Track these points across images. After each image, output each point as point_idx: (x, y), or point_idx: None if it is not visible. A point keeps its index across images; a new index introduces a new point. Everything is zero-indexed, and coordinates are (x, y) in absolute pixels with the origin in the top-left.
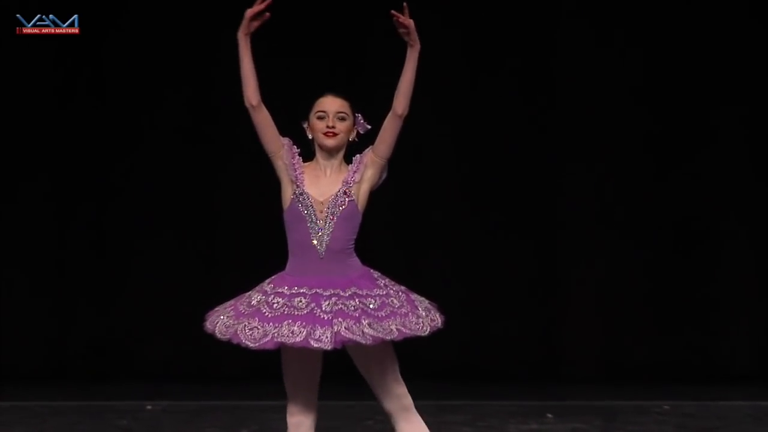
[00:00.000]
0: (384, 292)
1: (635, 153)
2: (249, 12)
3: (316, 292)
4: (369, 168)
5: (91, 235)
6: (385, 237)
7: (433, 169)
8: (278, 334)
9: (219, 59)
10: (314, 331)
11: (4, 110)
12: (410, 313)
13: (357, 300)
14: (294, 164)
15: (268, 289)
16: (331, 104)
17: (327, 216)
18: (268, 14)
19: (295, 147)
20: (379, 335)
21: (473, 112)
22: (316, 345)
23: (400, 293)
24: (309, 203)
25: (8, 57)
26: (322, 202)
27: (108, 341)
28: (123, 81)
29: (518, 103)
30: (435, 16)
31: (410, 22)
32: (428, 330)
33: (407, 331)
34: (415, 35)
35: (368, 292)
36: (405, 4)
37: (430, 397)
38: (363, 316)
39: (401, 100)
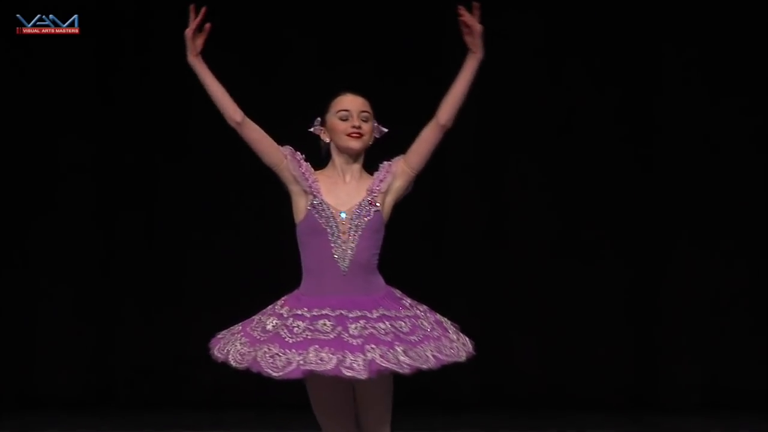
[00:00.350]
0: (412, 314)
1: (742, 179)
2: (188, 32)
3: (340, 313)
4: (398, 178)
5: (138, 257)
6: (486, 255)
7: (530, 187)
8: (305, 361)
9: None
10: (345, 358)
11: (49, 111)
12: (442, 337)
13: (387, 323)
14: (304, 173)
15: (283, 312)
16: (353, 103)
17: (350, 228)
18: (208, 25)
19: (298, 153)
20: (416, 364)
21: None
22: (348, 374)
23: (428, 314)
24: (329, 214)
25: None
26: (343, 213)
27: (156, 366)
28: (170, 79)
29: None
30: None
31: (477, 26)
32: (464, 356)
33: (444, 358)
34: (479, 41)
35: (396, 314)
36: (477, 4)
37: (519, 427)
38: (396, 342)
39: (448, 110)
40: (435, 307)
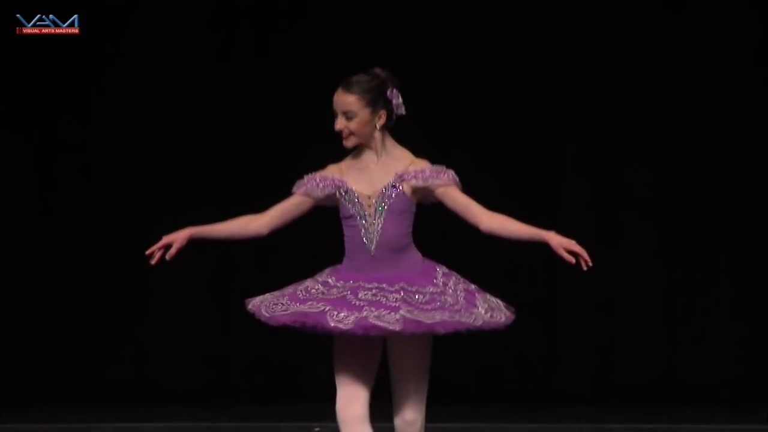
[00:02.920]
0: (439, 290)
1: None
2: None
3: (359, 284)
4: (424, 193)
5: (255, 249)
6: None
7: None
8: (296, 311)
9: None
10: (336, 312)
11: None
12: (462, 310)
13: (402, 293)
14: (326, 185)
15: (319, 277)
16: (337, 102)
17: (375, 211)
18: (172, 251)
19: (307, 181)
20: (417, 318)
21: None
22: (332, 324)
23: (460, 293)
24: (356, 200)
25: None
26: (369, 197)
27: (275, 360)
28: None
29: None
30: None
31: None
32: (480, 323)
33: (452, 321)
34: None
35: (418, 288)
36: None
37: (631, 420)
38: (402, 305)
39: (493, 230)
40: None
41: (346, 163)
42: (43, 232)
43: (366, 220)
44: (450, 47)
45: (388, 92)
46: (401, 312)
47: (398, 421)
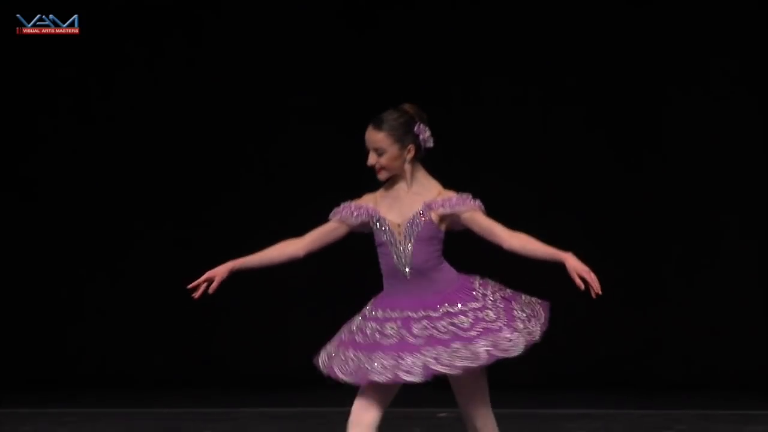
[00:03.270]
0: (480, 305)
1: None
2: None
3: (407, 315)
4: (455, 220)
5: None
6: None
7: None
8: (371, 370)
9: None
10: (403, 360)
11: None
12: (505, 328)
13: (448, 320)
14: (360, 214)
15: (366, 312)
16: (367, 140)
17: (405, 238)
18: (214, 285)
19: (342, 209)
20: (467, 363)
21: None
22: (406, 378)
23: (498, 302)
24: (387, 229)
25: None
26: (399, 225)
27: None
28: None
29: None
30: None
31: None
32: (522, 348)
33: (497, 353)
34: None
35: (462, 308)
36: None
37: (734, 407)
38: (453, 340)
39: (515, 249)
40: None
41: (380, 193)
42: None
43: (397, 247)
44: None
45: (416, 128)
46: (453, 352)
47: None
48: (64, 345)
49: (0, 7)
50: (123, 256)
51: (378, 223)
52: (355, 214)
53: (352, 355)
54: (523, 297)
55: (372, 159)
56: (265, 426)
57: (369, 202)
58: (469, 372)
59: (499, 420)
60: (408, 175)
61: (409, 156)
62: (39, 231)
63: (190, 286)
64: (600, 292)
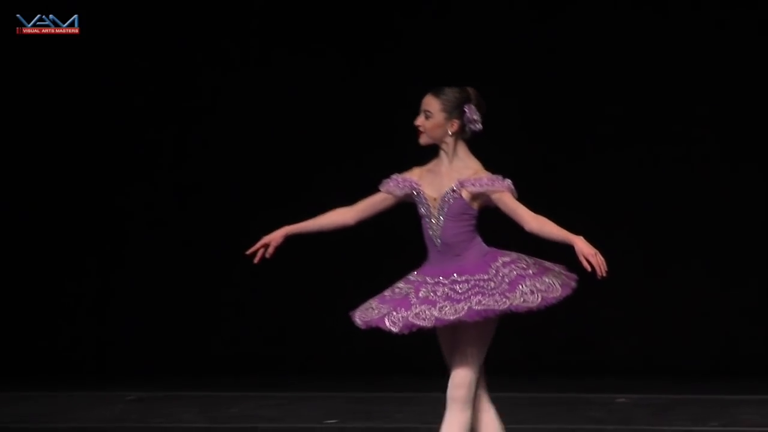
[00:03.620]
0: (487, 277)
1: None
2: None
3: (425, 279)
4: (486, 199)
5: None
6: None
7: None
8: (369, 316)
9: None
10: (395, 313)
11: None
12: (498, 294)
13: (450, 287)
14: (404, 186)
15: (409, 275)
16: (423, 102)
17: (438, 212)
18: (271, 250)
19: (392, 179)
20: (444, 317)
21: None
22: (388, 326)
23: (508, 277)
24: (425, 201)
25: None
26: (435, 199)
27: (586, 336)
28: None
29: None
30: None
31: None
32: (507, 305)
33: (479, 308)
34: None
35: (468, 277)
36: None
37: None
38: (441, 300)
39: (536, 231)
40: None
41: (427, 167)
42: None
43: (432, 220)
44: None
45: (466, 107)
46: (436, 309)
47: (449, 384)
48: (282, 332)
49: (0, 7)
50: None
51: (418, 197)
52: (400, 186)
53: (374, 305)
54: (547, 277)
55: (419, 120)
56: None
57: (414, 175)
58: (449, 327)
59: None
60: (450, 149)
61: (452, 129)
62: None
63: (248, 252)
64: (605, 274)
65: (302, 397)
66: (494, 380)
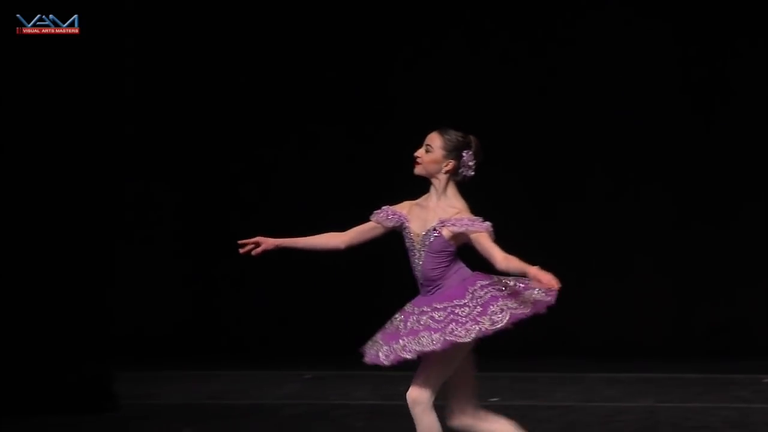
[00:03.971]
0: (465, 300)
1: None
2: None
3: (413, 310)
4: (465, 238)
5: None
6: None
7: None
8: (375, 353)
9: None
10: (386, 348)
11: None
12: (469, 319)
13: (429, 315)
14: (392, 218)
15: (406, 306)
16: (428, 137)
17: (420, 248)
18: (260, 249)
19: (382, 211)
20: (424, 348)
21: None
22: (383, 360)
23: (483, 300)
24: (410, 236)
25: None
26: (418, 235)
27: (731, 321)
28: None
29: None
30: None
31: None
32: (474, 334)
33: (450, 338)
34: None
35: (447, 304)
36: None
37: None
38: (423, 330)
39: (503, 268)
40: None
41: (416, 202)
42: None
43: (415, 254)
44: None
45: (465, 152)
46: (400, 344)
47: (407, 396)
48: None
49: (0, 7)
50: None
51: (405, 231)
52: (389, 218)
53: (375, 339)
54: (525, 295)
55: (419, 152)
56: (610, 389)
57: (404, 209)
58: (429, 354)
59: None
60: (440, 186)
61: (447, 168)
62: None
63: (240, 241)
64: (555, 287)
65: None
66: (647, 362)
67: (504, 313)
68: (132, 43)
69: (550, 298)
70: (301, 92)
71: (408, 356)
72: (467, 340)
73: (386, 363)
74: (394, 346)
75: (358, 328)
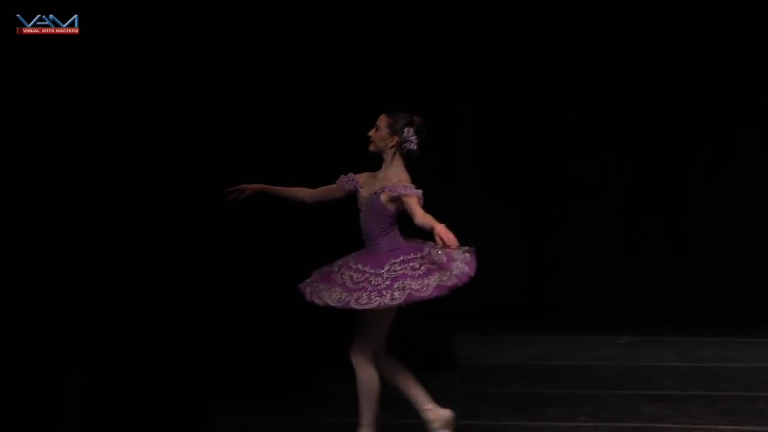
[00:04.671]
0: (381, 271)
1: None
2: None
3: (348, 263)
4: (399, 203)
5: None
6: None
7: None
8: (311, 292)
9: None
10: (313, 284)
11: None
12: (374, 292)
13: (361, 275)
14: (349, 182)
15: (350, 255)
16: (378, 118)
17: (365, 209)
18: (239, 195)
19: (344, 176)
20: (331, 303)
21: None
22: (306, 295)
23: (397, 271)
24: (360, 199)
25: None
26: (365, 197)
27: None
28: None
29: None
30: None
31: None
32: (373, 305)
33: (354, 305)
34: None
35: (368, 270)
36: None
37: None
38: (338, 287)
39: (418, 224)
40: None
41: (371, 173)
42: None
43: (361, 215)
44: None
45: (406, 129)
46: (325, 296)
47: (351, 348)
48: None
49: (0, 7)
50: None
51: (357, 194)
52: (347, 182)
53: (313, 277)
54: (431, 278)
55: (371, 131)
56: None
57: (361, 177)
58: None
59: None
60: (388, 159)
61: (391, 143)
62: None
63: (227, 189)
64: (455, 246)
65: (765, 342)
66: None
67: (403, 292)
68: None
69: (471, 270)
70: None
71: (317, 301)
72: (364, 308)
73: (307, 299)
74: (320, 287)
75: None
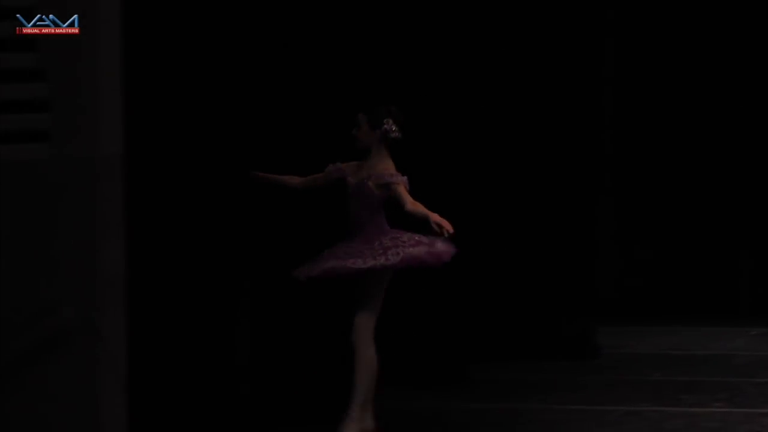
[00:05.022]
0: (370, 247)
1: None
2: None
3: (338, 246)
4: (388, 192)
5: None
6: None
7: None
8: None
9: None
10: (312, 266)
11: None
12: (368, 256)
13: (342, 249)
14: (336, 173)
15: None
16: (359, 118)
17: (354, 196)
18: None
19: (332, 166)
20: (327, 269)
21: None
22: (309, 273)
23: (387, 244)
24: (348, 187)
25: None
26: (353, 185)
27: None
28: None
29: None
30: None
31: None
32: (368, 265)
33: (352, 267)
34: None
35: (357, 246)
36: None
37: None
38: (329, 259)
39: (410, 212)
40: None
41: (358, 163)
42: None
43: (350, 201)
44: None
45: (385, 121)
46: (321, 264)
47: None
48: None
49: (0, 7)
50: None
51: (345, 182)
52: (334, 171)
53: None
54: (417, 248)
55: (355, 130)
56: None
57: (349, 167)
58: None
59: None
60: (374, 151)
61: (374, 137)
62: None
63: (253, 173)
64: (451, 231)
65: None
66: None
67: (397, 256)
68: None
69: (450, 249)
70: None
71: (311, 274)
72: (360, 268)
73: (302, 278)
74: (312, 265)
75: None
